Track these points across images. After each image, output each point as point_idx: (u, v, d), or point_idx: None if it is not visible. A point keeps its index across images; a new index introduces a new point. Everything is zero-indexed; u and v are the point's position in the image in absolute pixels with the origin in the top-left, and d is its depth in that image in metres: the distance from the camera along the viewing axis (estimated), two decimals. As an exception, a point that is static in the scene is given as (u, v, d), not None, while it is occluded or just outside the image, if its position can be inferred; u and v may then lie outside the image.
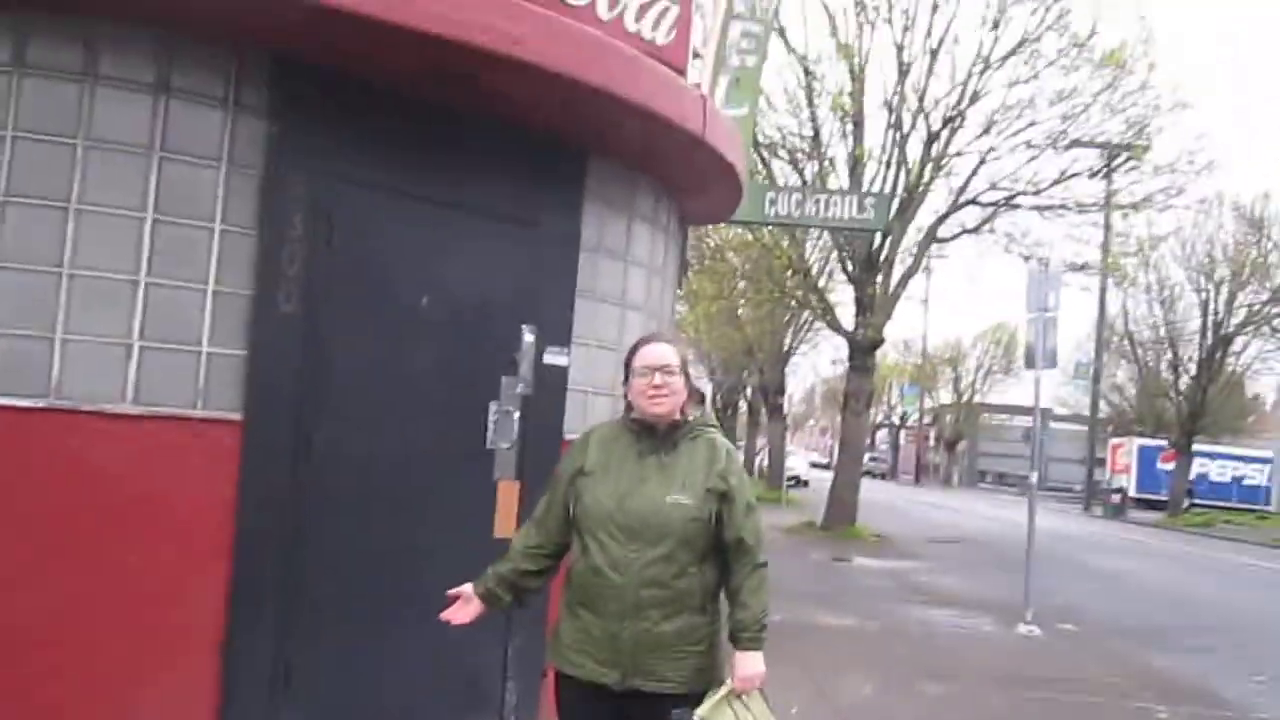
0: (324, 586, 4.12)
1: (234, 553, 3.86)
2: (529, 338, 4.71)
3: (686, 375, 2.88)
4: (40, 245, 3.58)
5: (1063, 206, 17.34)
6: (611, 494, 2.80)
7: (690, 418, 2.90)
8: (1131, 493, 36.26)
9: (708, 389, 33.36)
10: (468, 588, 2.99)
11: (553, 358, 4.80)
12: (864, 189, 15.93)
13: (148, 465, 3.70)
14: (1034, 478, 10.22)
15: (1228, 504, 36.78)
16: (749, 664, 2.80)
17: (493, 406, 4.60)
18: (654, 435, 2.86)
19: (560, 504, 2.93)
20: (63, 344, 3.60)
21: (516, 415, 4.67)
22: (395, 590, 4.34)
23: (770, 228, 16.76)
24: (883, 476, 57.70)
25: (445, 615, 2.99)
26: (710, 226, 18.38)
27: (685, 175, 5.41)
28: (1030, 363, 9.92)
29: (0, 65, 3.57)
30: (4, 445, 3.52)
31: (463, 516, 4.49)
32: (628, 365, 2.91)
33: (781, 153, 17.56)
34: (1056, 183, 17.14)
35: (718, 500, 2.80)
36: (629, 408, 2.93)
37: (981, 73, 16.44)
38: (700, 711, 2.71)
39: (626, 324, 5.19)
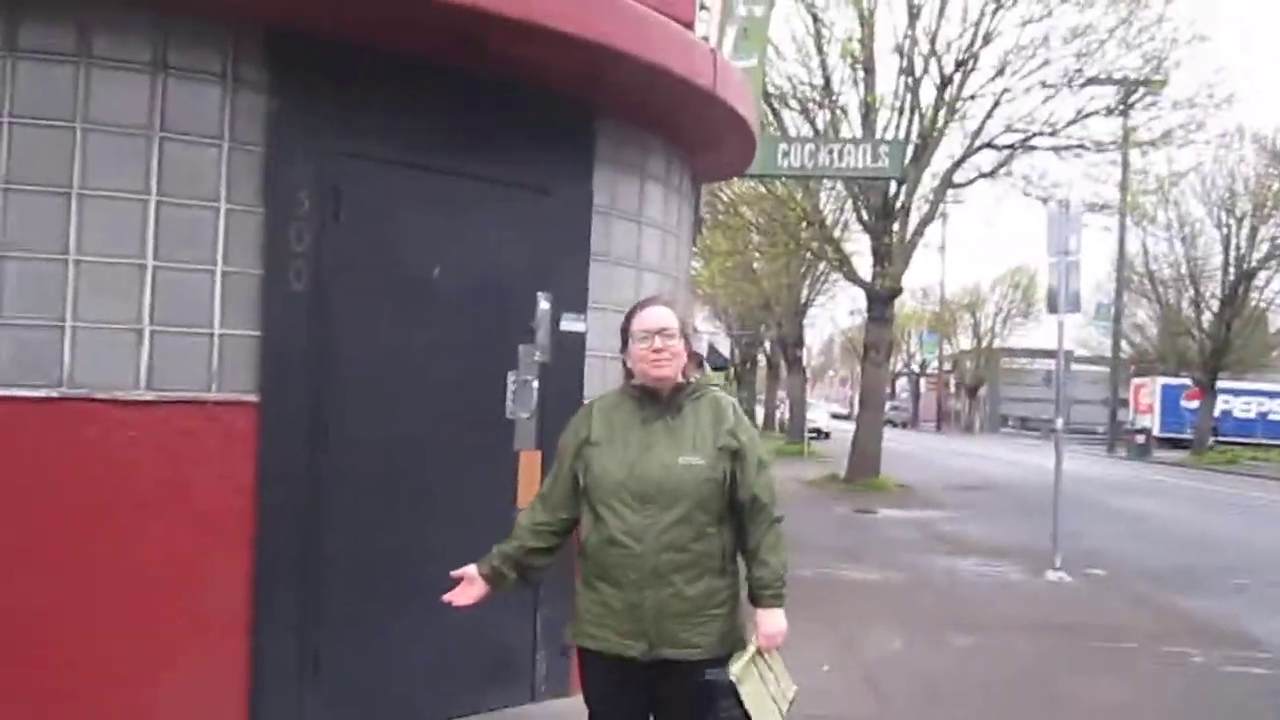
0: (348, 567, 4.10)
1: (255, 537, 3.83)
2: (544, 305, 4.65)
3: (685, 337, 2.82)
4: (44, 232, 3.53)
5: (1080, 146, 17.06)
6: (621, 462, 2.74)
7: (691, 379, 2.84)
8: (1156, 432, 36.04)
9: (725, 346, 33.32)
10: (471, 568, 2.92)
11: (569, 324, 4.73)
12: (877, 136, 15.71)
13: (164, 451, 3.67)
14: (1059, 423, 10.12)
15: (1253, 440, 36.47)
16: (772, 622, 2.79)
17: (511, 376, 4.55)
18: (657, 400, 2.80)
19: (567, 478, 2.86)
20: (73, 332, 3.56)
21: (535, 384, 4.62)
22: (419, 567, 4.30)
23: (784, 180, 16.58)
24: (904, 425, 57.55)
25: (448, 597, 2.92)
26: (723, 181, 18.22)
27: (697, 132, 5.30)
28: (1053, 307, 9.77)
29: (-7, 49, 3.50)
30: (19, 436, 3.49)
31: (485, 489, 4.45)
32: (625, 331, 2.85)
33: (792, 103, 17.30)
34: (1073, 122, 16.87)
35: (730, 459, 2.75)
36: (629, 374, 2.87)
37: (994, 12, 16.13)
38: (733, 671, 2.70)
39: (643, 286, 5.11)
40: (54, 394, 3.53)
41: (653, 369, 2.76)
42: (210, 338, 3.77)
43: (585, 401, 4.62)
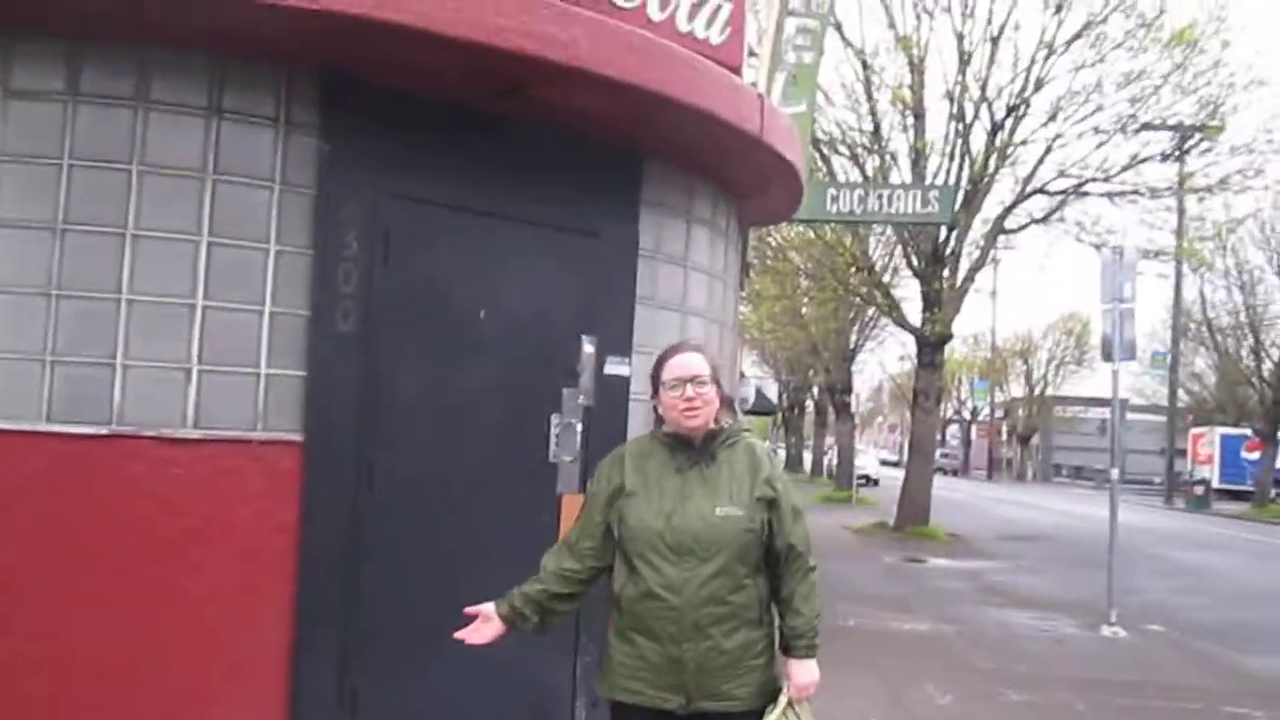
0: (388, 607, 4.07)
1: (298, 576, 3.83)
2: (589, 348, 4.63)
3: (718, 383, 2.78)
4: (98, 272, 3.59)
5: (1135, 192, 16.84)
6: (657, 513, 2.69)
7: (724, 425, 2.80)
8: (1215, 484, 35.13)
9: (773, 391, 33.12)
10: (489, 606, 2.86)
11: (614, 368, 4.71)
12: (927, 182, 15.63)
13: (209, 489, 3.69)
14: (1115, 473, 9.89)
15: (1317, 493, 35.41)
16: (805, 672, 2.76)
17: (554, 419, 4.53)
18: (690, 447, 2.76)
19: (598, 526, 2.81)
20: (123, 370, 3.61)
21: (579, 427, 4.59)
22: (459, 610, 4.27)
23: (832, 225, 16.53)
24: (954, 473, 56.73)
25: (461, 635, 2.86)
26: (771, 226, 18.21)
27: (744, 177, 5.29)
28: (1107, 354, 9.59)
29: (55, 93, 3.59)
30: (68, 473, 3.53)
31: (527, 532, 4.40)
32: (655, 378, 2.81)
33: (841, 148, 17.30)
34: (1127, 168, 16.65)
35: (766, 508, 2.71)
36: (659, 421, 2.83)
37: (1045, 58, 16.02)
38: None
39: (688, 330, 5.09)
40: (104, 431, 3.57)
41: (685, 419, 2.73)
42: (257, 377, 3.80)
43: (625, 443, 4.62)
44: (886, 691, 6.31)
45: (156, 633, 3.61)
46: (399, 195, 4.08)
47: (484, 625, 2.86)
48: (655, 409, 2.83)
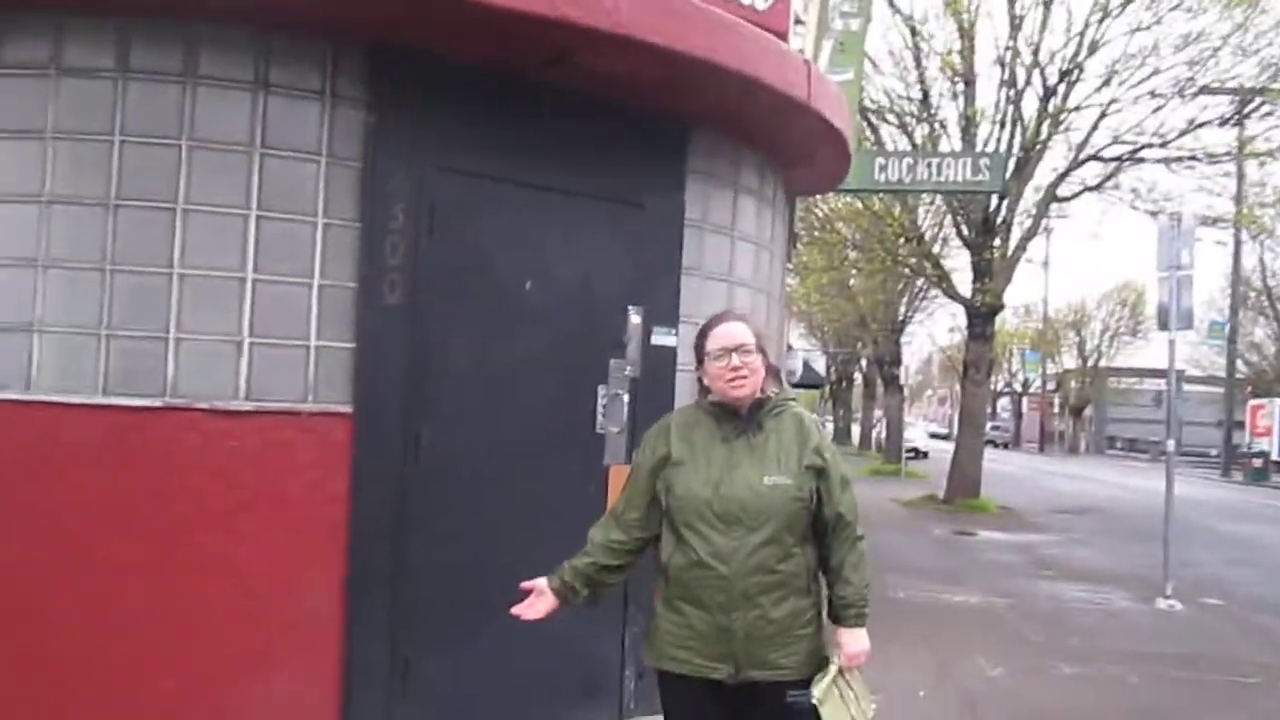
0: (438, 578, 4.11)
1: (349, 547, 3.87)
2: (635, 319, 4.62)
3: (763, 352, 2.75)
4: (150, 247, 3.64)
5: (1192, 158, 16.40)
6: (705, 482, 2.67)
7: (770, 394, 2.78)
8: (1274, 456, 34.40)
9: (820, 364, 32.92)
10: (542, 581, 2.86)
11: (660, 338, 4.70)
12: (978, 150, 15.36)
13: (261, 461, 3.74)
14: (1171, 444, 9.69)
15: (1380, 465, 34.58)
16: (855, 641, 2.76)
17: (601, 390, 4.53)
18: (736, 417, 2.74)
19: (644, 495, 2.80)
20: (176, 343, 3.66)
21: (626, 398, 4.59)
22: (509, 580, 4.29)
23: (881, 195, 16.32)
24: (1005, 446, 56.19)
25: (517, 610, 2.86)
26: (818, 197, 18.02)
27: (791, 145, 5.23)
28: (1163, 324, 9.38)
29: (105, 70, 3.63)
30: (124, 444, 3.59)
31: (574, 503, 4.42)
32: (699, 348, 2.79)
33: (890, 117, 17.06)
34: (1185, 133, 16.21)
35: (815, 477, 2.70)
36: (705, 390, 2.80)
37: (1100, 21, 15.61)
38: (816, 694, 2.65)
39: (735, 300, 5.05)
40: (158, 403, 3.63)
41: (732, 389, 2.70)
42: (307, 349, 3.83)
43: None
44: (936, 663, 6.27)
45: (209, 601, 3.67)
46: (445, 168, 4.08)
47: (537, 600, 2.86)
48: (700, 379, 2.81)
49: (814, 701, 2.63)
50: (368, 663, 3.93)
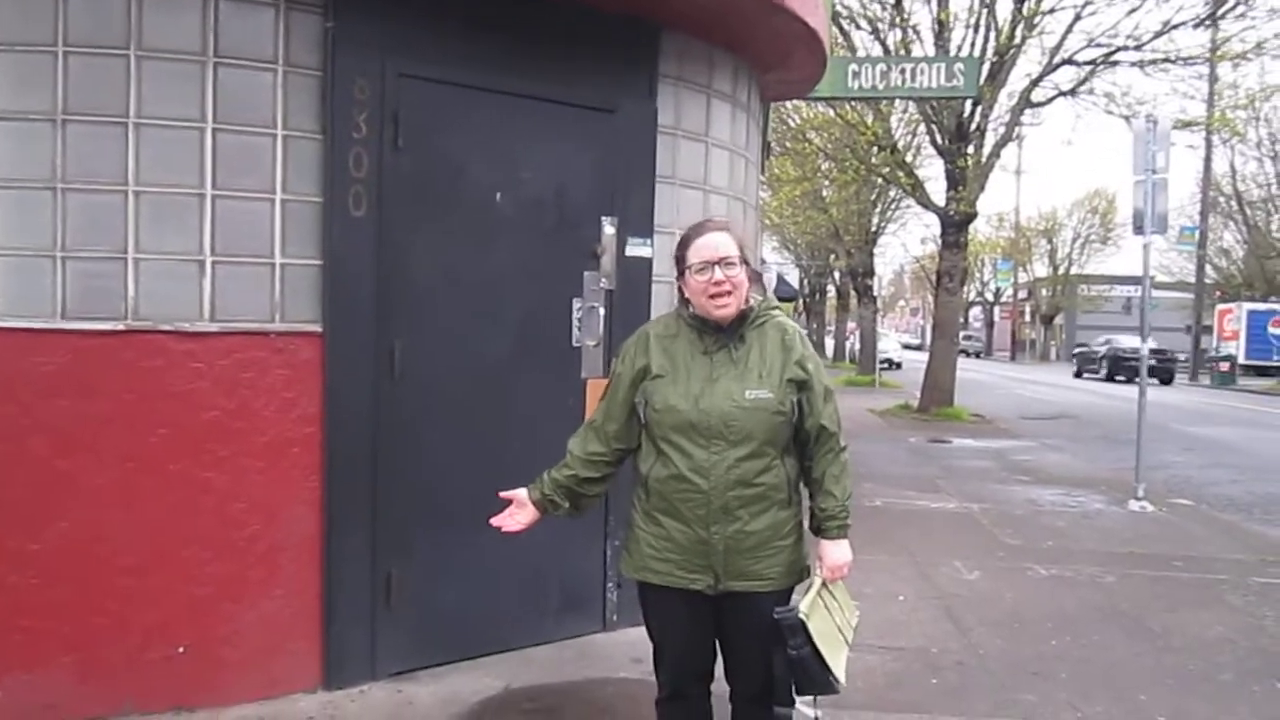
0: (417, 496, 4.07)
1: (324, 467, 3.82)
2: (610, 229, 4.52)
3: (746, 262, 2.66)
4: (102, 163, 3.49)
5: (1166, 60, 16.22)
6: (684, 395, 2.61)
7: (753, 304, 2.69)
8: (1241, 360, 34.88)
9: (793, 276, 32.85)
10: (521, 493, 2.84)
11: (635, 249, 4.60)
12: (951, 55, 15.12)
13: (230, 382, 3.65)
14: (1145, 348, 9.74)
15: (1345, 366, 35.15)
16: (837, 553, 2.74)
17: (576, 303, 4.45)
18: (718, 329, 2.66)
19: (623, 407, 2.74)
20: (135, 264, 3.53)
21: (601, 311, 4.51)
22: (488, 496, 4.26)
23: (853, 103, 16.09)
24: (977, 355, 56.70)
25: (496, 521, 2.85)
26: (790, 107, 17.79)
27: (764, 46, 5.07)
28: (1139, 228, 9.36)
29: (44, -23, 3.43)
30: (86, 369, 3.49)
31: (551, 417, 4.37)
32: (680, 259, 2.69)
33: (862, 22, 16.73)
34: (1159, 34, 15.98)
35: (797, 389, 2.64)
36: (685, 302, 2.72)
37: (1075, -81, 15.29)
38: (802, 608, 2.63)
39: (710, 208, 4.95)
40: (120, 327, 3.52)
41: (714, 306, 2.61)
42: (272, 267, 3.72)
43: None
44: (915, 569, 6.34)
45: (186, 527, 3.62)
46: (408, 75, 3.93)
47: (518, 511, 2.84)
48: (680, 289, 2.73)
49: (801, 616, 2.61)
50: (348, 582, 3.90)
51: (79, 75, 3.46)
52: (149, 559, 3.58)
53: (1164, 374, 31.61)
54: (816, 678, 2.65)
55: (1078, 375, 35.98)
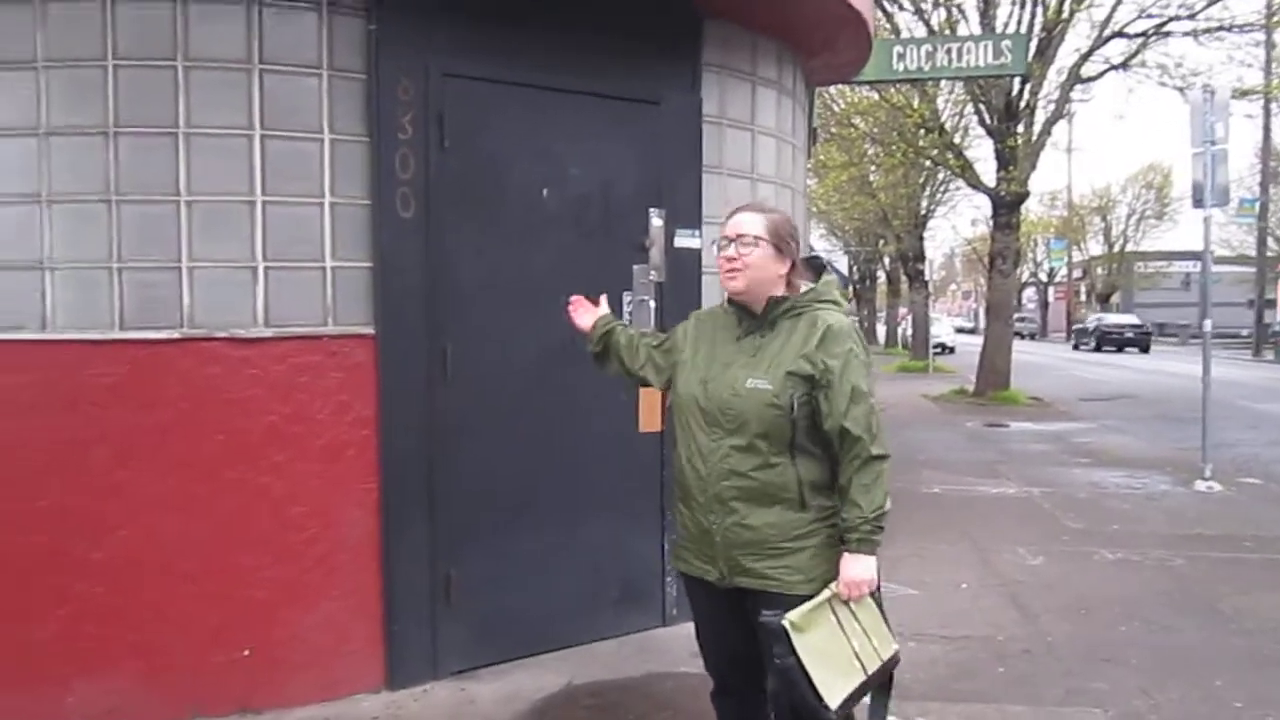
0: (474, 493, 4.07)
1: (381, 469, 3.83)
2: (657, 221, 4.49)
3: (779, 246, 2.57)
4: (154, 174, 3.53)
5: (1221, 28, 15.82)
6: (698, 380, 2.61)
7: (792, 293, 2.60)
8: (1307, 333, 33.94)
9: (843, 264, 32.55)
10: (600, 310, 3.04)
11: (684, 240, 4.57)
12: (998, 32, 14.86)
13: (286, 387, 3.68)
14: (1208, 324, 9.49)
15: None
16: (854, 567, 2.49)
17: (626, 297, 4.42)
18: (753, 315, 2.61)
19: (662, 353, 2.84)
20: (189, 272, 3.57)
21: (652, 303, 4.48)
22: (544, 493, 4.27)
23: (899, 85, 15.88)
24: (1031, 337, 55.75)
25: (573, 302, 3.08)
26: (835, 91, 17.62)
27: (809, 31, 5.01)
28: (1198, 201, 9.12)
29: (92, -9, 3.47)
30: (144, 378, 3.53)
31: (605, 412, 4.36)
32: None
33: (905, 3, 16.51)
34: (1213, 3, 15.61)
35: (804, 385, 2.47)
36: None
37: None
38: (791, 616, 2.42)
39: (758, 197, 4.90)
40: (176, 335, 3.56)
41: (725, 279, 2.61)
42: (323, 271, 3.74)
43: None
44: (977, 556, 6.24)
45: (245, 531, 3.65)
46: (452, 74, 3.93)
47: (587, 314, 3.04)
48: None
49: (785, 623, 2.40)
50: (408, 583, 3.92)
51: (128, 88, 3.50)
52: (209, 564, 3.62)
53: (1142, 344, 37.44)
54: (807, 697, 2.42)
55: (1075, 348, 39.52)
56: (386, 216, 3.80)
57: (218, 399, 3.60)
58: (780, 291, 2.60)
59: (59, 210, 3.48)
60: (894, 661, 2.59)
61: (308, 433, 3.72)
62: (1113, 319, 39.68)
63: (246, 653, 3.67)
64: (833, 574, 2.52)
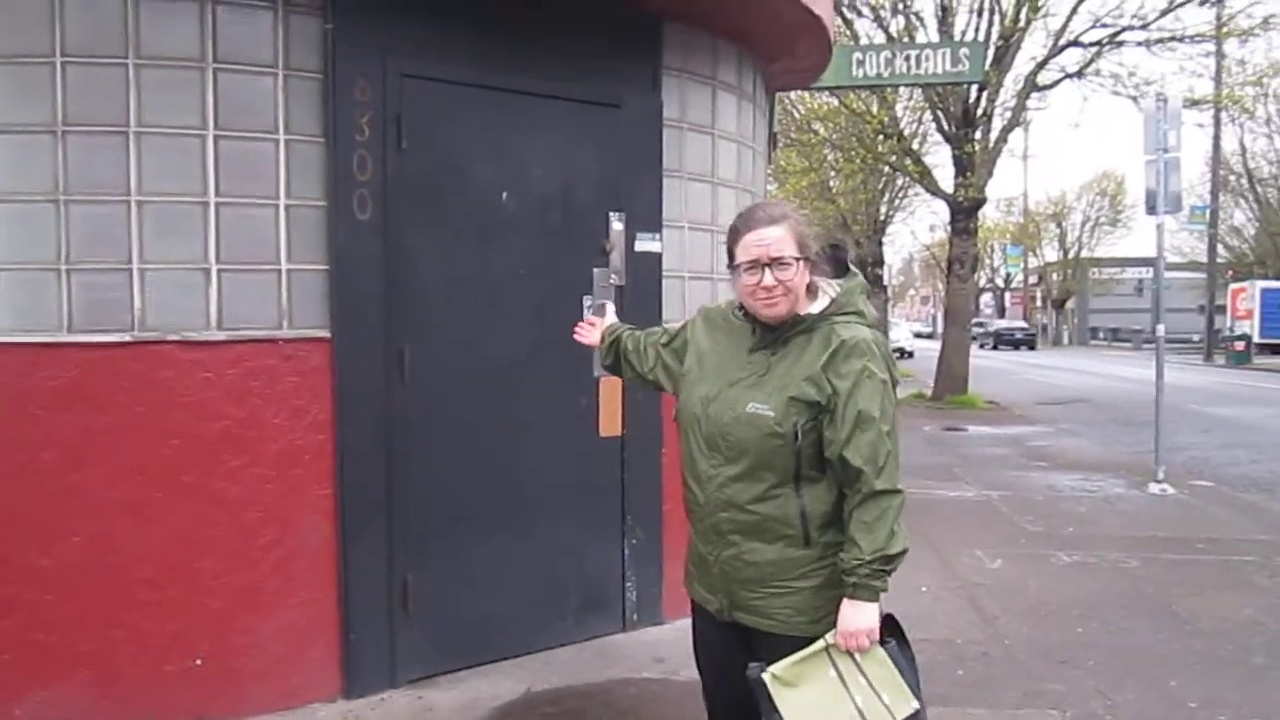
0: (432, 498, 4.03)
1: (337, 474, 3.78)
2: (618, 225, 4.47)
3: (806, 257, 2.29)
4: (104, 174, 3.45)
5: (1173, 38, 16.08)
6: (701, 398, 2.37)
7: (816, 301, 2.35)
8: (1255, 338, 34.62)
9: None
10: (611, 321, 2.93)
11: (645, 244, 4.55)
12: (956, 40, 15.00)
13: (240, 391, 3.61)
14: (1161, 329, 9.64)
15: (1362, 343, 34.86)
16: (851, 615, 2.22)
17: (586, 300, 4.40)
18: (769, 329, 2.34)
19: (670, 353, 2.62)
20: (140, 274, 3.49)
21: (612, 307, 4.43)
22: (503, 498, 4.23)
23: (858, 92, 15.99)
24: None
25: (579, 327, 2.98)
26: (795, 97, 17.69)
27: (768, 34, 5.01)
28: (1152, 207, 9.26)
29: (40, -13, 3.39)
30: (95, 382, 3.45)
31: (564, 417, 4.33)
32: (730, 252, 2.36)
33: (864, 9, 16.63)
34: (1165, 13, 15.85)
35: (809, 411, 2.23)
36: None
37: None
38: (774, 669, 2.23)
39: (719, 201, 4.90)
40: (127, 338, 3.48)
41: (763, 308, 2.29)
42: (278, 273, 3.68)
43: (663, 324, 4.47)
44: (937, 559, 6.27)
45: (200, 538, 3.58)
46: (410, 75, 3.89)
47: (592, 330, 2.92)
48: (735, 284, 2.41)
49: (763, 675, 2.22)
50: (365, 590, 3.86)
51: (77, 85, 3.42)
52: (164, 571, 3.54)
53: (1029, 343, 47.95)
54: None
55: (982, 348, 43.69)
56: (343, 218, 3.75)
57: (171, 403, 3.52)
58: (804, 298, 2.34)
59: (4, 210, 3.39)
60: None
61: (263, 437, 3.65)
62: (1004, 323, 51.52)
63: (199, 661, 3.60)
64: (832, 615, 2.28)
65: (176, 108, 3.51)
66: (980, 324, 46.48)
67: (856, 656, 2.25)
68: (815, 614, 2.31)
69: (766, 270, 2.26)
